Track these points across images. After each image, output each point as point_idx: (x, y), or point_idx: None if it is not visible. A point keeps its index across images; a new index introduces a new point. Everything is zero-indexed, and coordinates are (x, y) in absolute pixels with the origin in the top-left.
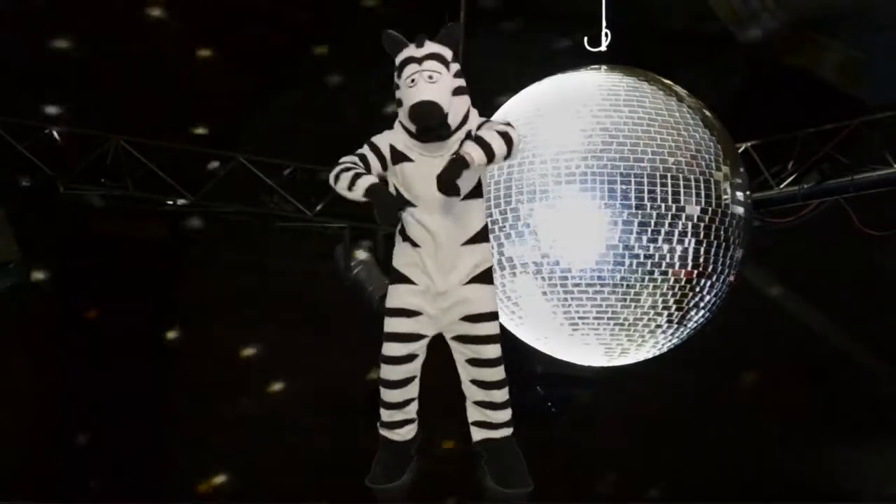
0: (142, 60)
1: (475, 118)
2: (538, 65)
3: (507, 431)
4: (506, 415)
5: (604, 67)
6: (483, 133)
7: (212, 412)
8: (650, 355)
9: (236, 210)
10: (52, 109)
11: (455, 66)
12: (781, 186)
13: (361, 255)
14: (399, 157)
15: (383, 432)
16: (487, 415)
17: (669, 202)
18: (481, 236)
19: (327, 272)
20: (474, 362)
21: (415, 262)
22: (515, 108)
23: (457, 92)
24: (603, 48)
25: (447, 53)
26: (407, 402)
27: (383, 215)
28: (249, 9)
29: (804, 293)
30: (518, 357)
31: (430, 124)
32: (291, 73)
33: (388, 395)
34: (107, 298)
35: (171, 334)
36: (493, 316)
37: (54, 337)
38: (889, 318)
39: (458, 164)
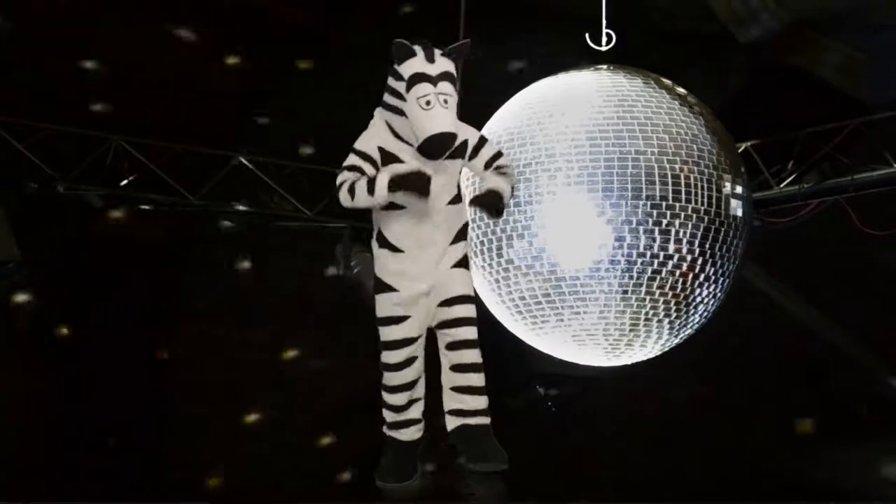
0: (142, 60)
1: (464, 127)
2: (538, 65)
3: (484, 419)
4: (482, 402)
5: (604, 67)
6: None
7: (211, 412)
8: (650, 355)
9: (236, 210)
10: (53, 110)
11: (459, 82)
12: (781, 186)
13: (357, 258)
14: (389, 157)
15: (390, 433)
16: (464, 401)
17: (670, 202)
18: (462, 235)
19: (327, 272)
20: (452, 346)
21: (398, 268)
22: (516, 108)
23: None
24: (604, 48)
25: (455, 70)
26: (411, 403)
27: (423, 190)
28: (250, 8)
29: (804, 293)
30: (518, 357)
31: (439, 155)
32: (292, 72)
33: (392, 398)
34: (106, 298)
35: (171, 334)
36: (467, 299)
37: (54, 336)
38: (889, 318)
39: (494, 196)
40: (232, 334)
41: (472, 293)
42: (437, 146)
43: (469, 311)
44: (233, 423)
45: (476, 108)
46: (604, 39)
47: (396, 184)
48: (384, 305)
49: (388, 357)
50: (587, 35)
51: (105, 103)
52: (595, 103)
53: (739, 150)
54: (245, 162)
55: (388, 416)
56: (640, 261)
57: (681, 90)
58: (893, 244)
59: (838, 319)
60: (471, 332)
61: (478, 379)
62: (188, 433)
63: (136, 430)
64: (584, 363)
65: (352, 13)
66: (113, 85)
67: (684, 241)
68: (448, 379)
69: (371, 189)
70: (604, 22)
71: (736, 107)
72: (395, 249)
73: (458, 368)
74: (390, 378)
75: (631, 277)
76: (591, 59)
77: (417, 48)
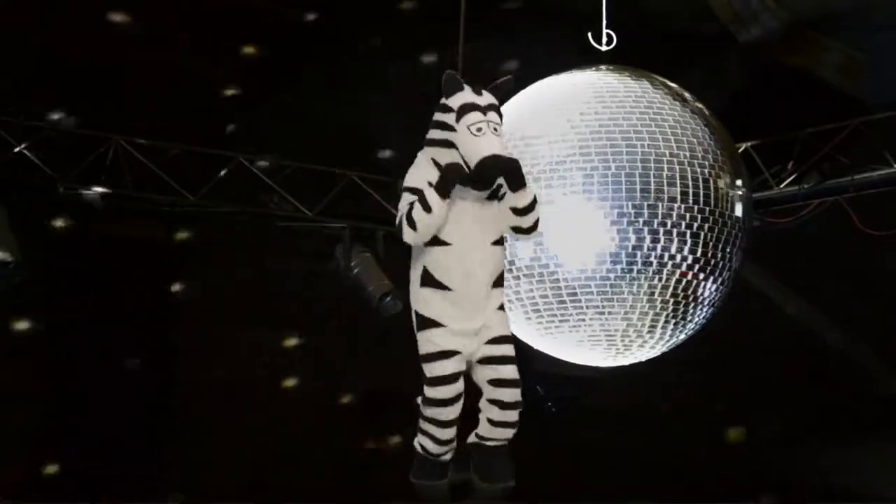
0: (142, 61)
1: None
2: (538, 65)
3: (503, 443)
4: (510, 433)
5: (604, 67)
6: None
7: (211, 412)
8: (650, 355)
9: (236, 210)
10: (52, 110)
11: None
12: (781, 186)
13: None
14: None
15: (427, 456)
16: (495, 433)
17: (657, 201)
18: (501, 280)
19: (327, 272)
20: (496, 383)
21: (446, 305)
22: (515, 108)
23: None
24: (604, 47)
25: (498, 104)
26: (454, 440)
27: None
28: (250, 8)
29: (804, 293)
30: (518, 357)
31: (495, 178)
32: (292, 72)
33: (441, 433)
34: (106, 298)
35: (171, 334)
36: (511, 339)
37: (55, 336)
38: (889, 318)
39: (520, 172)
40: (232, 334)
41: (511, 333)
42: (491, 168)
43: (513, 350)
44: (234, 423)
45: None
46: (604, 40)
47: (442, 186)
48: (431, 341)
49: (439, 393)
50: (589, 35)
51: (105, 103)
52: (593, 103)
53: (739, 150)
54: (245, 162)
55: (432, 447)
56: (670, 263)
57: (681, 90)
58: (893, 244)
59: (838, 319)
60: (513, 372)
61: (514, 415)
62: (189, 433)
63: (136, 429)
64: (590, 364)
65: (351, 12)
66: (113, 85)
67: (675, 240)
68: (487, 410)
69: (426, 207)
70: (604, 22)
71: (736, 107)
72: (442, 287)
73: (501, 406)
74: (440, 413)
75: (660, 280)
76: (591, 59)
77: (471, 84)
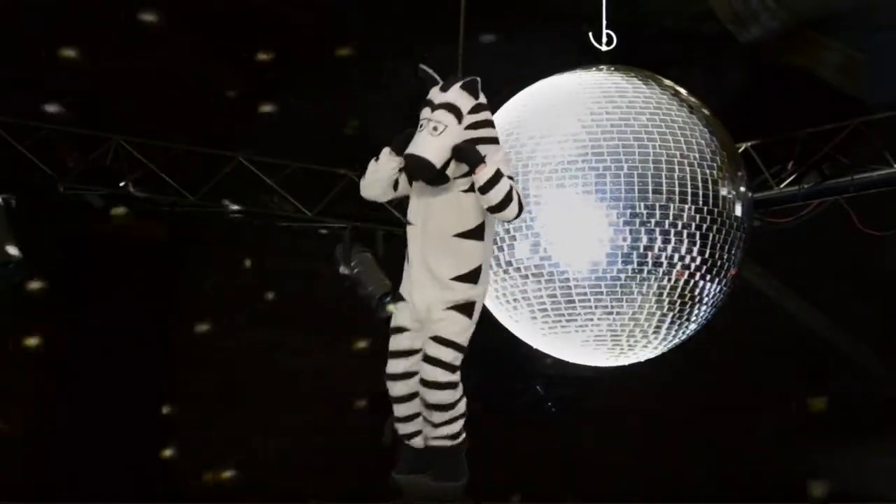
0: (143, 61)
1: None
2: (538, 65)
3: (446, 442)
4: (444, 431)
5: (604, 67)
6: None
7: (211, 411)
8: (650, 355)
9: (236, 210)
10: (52, 109)
11: (473, 118)
12: (781, 186)
13: (361, 256)
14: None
15: (402, 439)
16: (428, 430)
17: (669, 202)
18: (472, 276)
19: (327, 272)
20: (422, 382)
21: (407, 280)
22: (515, 109)
23: (476, 143)
24: (604, 47)
25: (465, 104)
26: (415, 416)
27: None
28: (250, 8)
29: (804, 293)
30: (519, 357)
31: (416, 177)
32: (292, 73)
33: (395, 408)
34: (106, 298)
35: (171, 334)
36: (454, 345)
37: (54, 337)
38: (889, 318)
39: (470, 153)
40: (232, 334)
41: (463, 343)
42: (408, 165)
43: (448, 355)
44: (233, 423)
45: None
46: (604, 40)
47: (395, 142)
48: (394, 314)
49: (389, 367)
50: (590, 34)
51: (105, 103)
52: (593, 103)
53: (739, 150)
54: (245, 162)
55: (398, 425)
56: (679, 264)
57: (680, 90)
58: (893, 244)
59: (838, 319)
60: (437, 374)
61: (438, 416)
62: (187, 432)
63: (136, 429)
64: (591, 364)
65: (350, 11)
66: (113, 85)
67: (675, 240)
68: (421, 406)
69: (377, 158)
70: (604, 22)
71: (736, 107)
72: (407, 261)
73: (423, 402)
74: (390, 388)
75: (669, 280)
76: (591, 59)
77: (445, 81)
